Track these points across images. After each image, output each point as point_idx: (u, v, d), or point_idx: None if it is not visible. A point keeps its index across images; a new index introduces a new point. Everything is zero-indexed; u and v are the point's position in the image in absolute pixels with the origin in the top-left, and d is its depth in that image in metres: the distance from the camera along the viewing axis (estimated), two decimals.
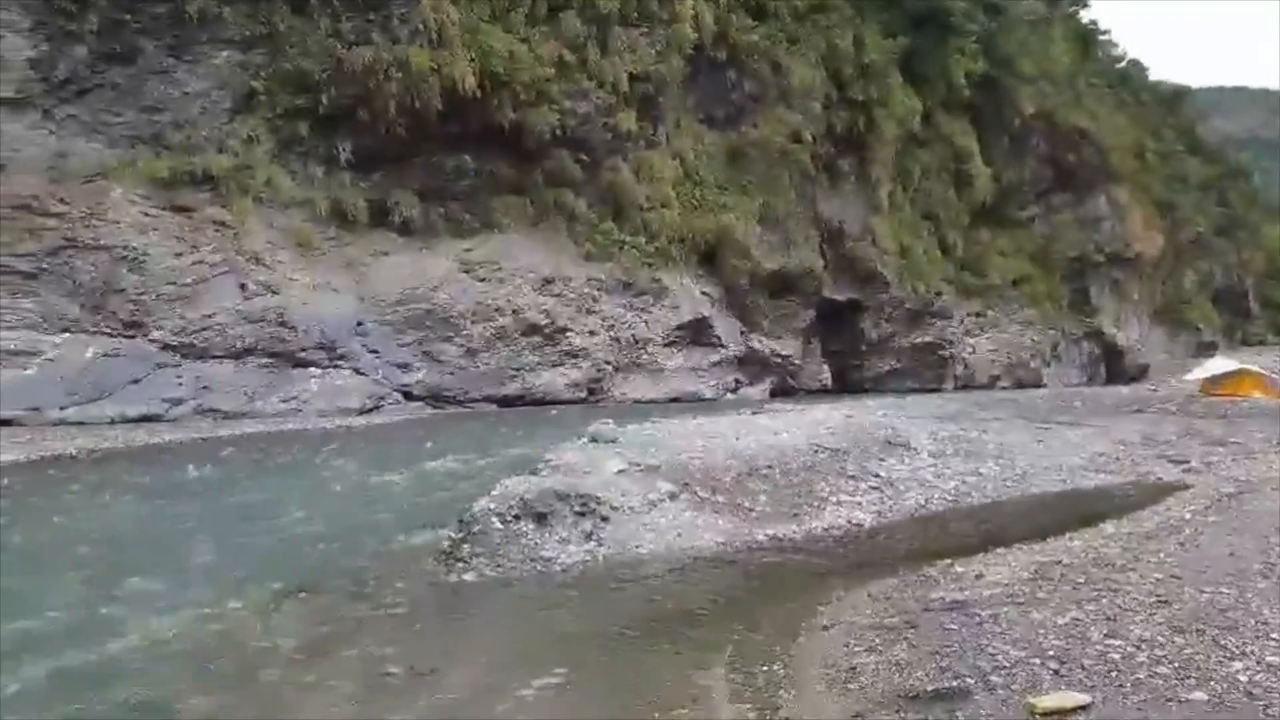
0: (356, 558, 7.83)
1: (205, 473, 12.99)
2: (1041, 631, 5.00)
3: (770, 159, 32.62)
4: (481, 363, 25.22)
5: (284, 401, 21.83)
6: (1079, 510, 9.65)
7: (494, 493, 8.03)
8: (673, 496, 8.54)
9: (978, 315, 41.12)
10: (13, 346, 19.25)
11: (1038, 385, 39.99)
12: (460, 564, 7.21)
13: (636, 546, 7.65)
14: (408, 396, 24.03)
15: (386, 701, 4.73)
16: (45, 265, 19.89)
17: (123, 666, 5.08)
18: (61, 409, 19.05)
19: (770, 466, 9.73)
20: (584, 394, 26.84)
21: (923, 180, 40.06)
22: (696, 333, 29.59)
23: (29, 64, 20.11)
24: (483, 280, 25.91)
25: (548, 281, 26.78)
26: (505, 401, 25.23)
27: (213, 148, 22.50)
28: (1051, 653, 4.66)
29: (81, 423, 18.69)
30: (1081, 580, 6.11)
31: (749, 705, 4.44)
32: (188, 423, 19.76)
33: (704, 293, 30.15)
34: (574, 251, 27.81)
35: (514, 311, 25.88)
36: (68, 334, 19.86)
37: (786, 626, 5.64)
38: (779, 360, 32.35)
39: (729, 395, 30.18)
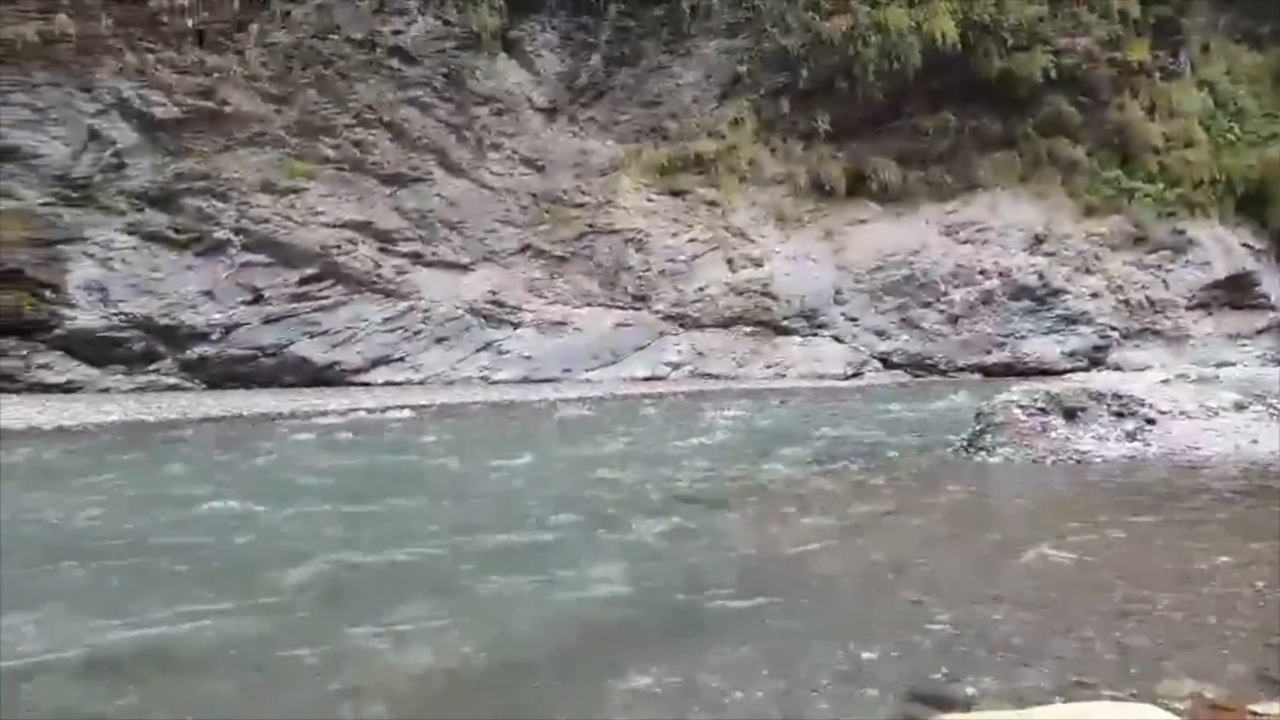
0: (876, 450, 8.71)
1: (717, 407, 14.33)
2: None
3: None
4: (965, 329, 23.94)
5: (768, 367, 22.84)
6: None
7: (1015, 388, 7.77)
8: (1239, 407, 7.30)
9: None
10: (552, 319, 22.71)
11: None
12: (982, 452, 7.06)
13: (1194, 448, 6.68)
14: (886, 364, 23.70)
15: (923, 530, 5.44)
16: (573, 249, 23.12)
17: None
18: (587, 370, 22.02)
19: None
20: (1084, 364, 24.07)
21: None
22: (1234, 292, 24.94)
23: (558, 77, 23.52)
24: (965, 243, 24.59)
25: (1040, 240, 24.55)
26: (991, 371, 23.60)
27: (703, 133, 24.28)
28: None
29: (601, 381, 21.44)
30: None
31: None
32: (685, 383, 21.60)
33: (1245, 244, 25.27)
34: (1071, 206, 25.12)
35: (1001, 274, 24.15)
36: (590, 307, 22.87)
37: None
38: None
39: None
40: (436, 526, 5.89)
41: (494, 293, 22.49)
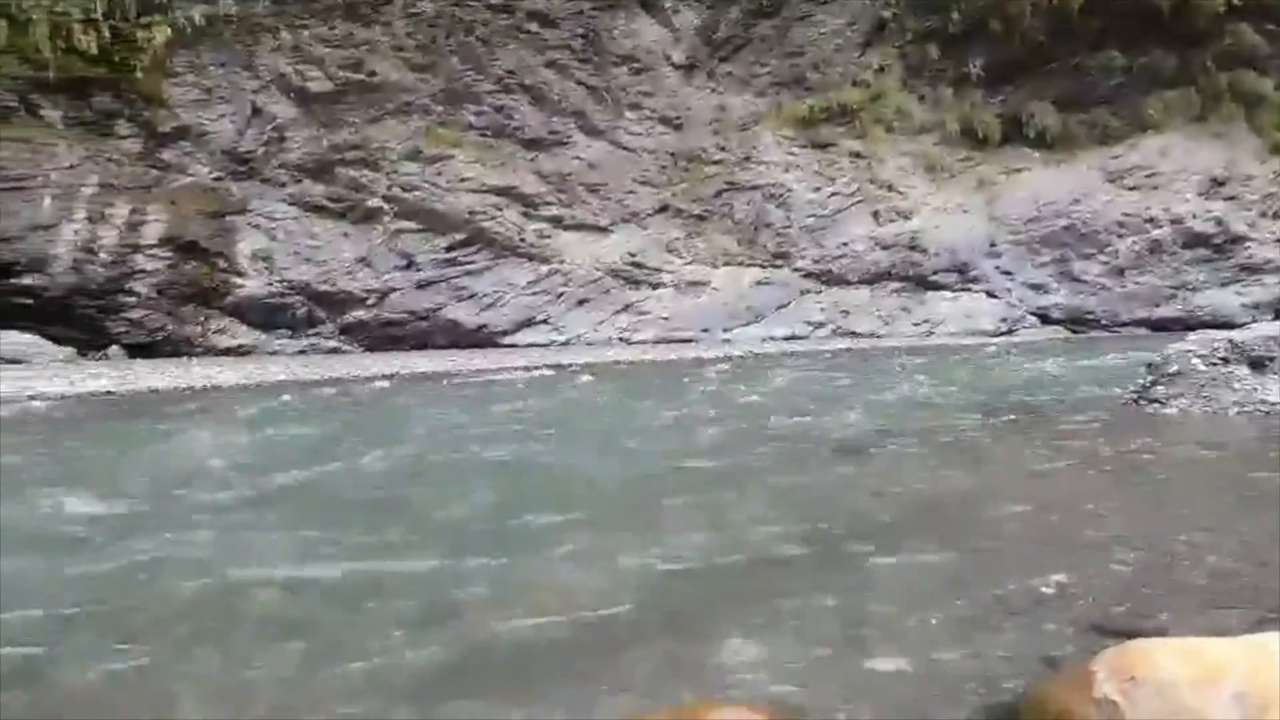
0: (1040, 403, 8.53)
1: (863, 364, 13.93)
2: None
3: None
4: (1130, 281, 22.40)
5: (916, 325, 22.06)
6: None
7: (1191, 338, 7.27)
8: None
9: None
10: (690, 278, 22.60)
11: None
12: (1155, 404, 6.67)
13: None
14: (1044, 319, 22.48)
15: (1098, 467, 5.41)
16: (711, 207, 22.88)
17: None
18: (725, 330, 21.82)
19: None
20: (1269, 316, 22.09)
21: None
22: None
23: (696, 32, 23.17)
24: (1132, 189, 22.92)
25: (1218, 183, 22.58)
26: (1160, 325, 21.99)
27: (847, 82, 23.47)
28: None
29: (739, 341, 21.20)
30: None
31: None
32: (828, 342, 21.10)
33: None
34: (1255, 144, 22.99)
35: (1172, 222, 22.41)
36: (728, 266, 22.62)
37: None
38: None
39: None
40: (612, 471, 6.00)
41: (633, 254, 22.54)
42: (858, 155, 23.03)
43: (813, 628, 2.94)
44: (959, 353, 17.09)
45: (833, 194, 22.80)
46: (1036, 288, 22.58)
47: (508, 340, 21.63)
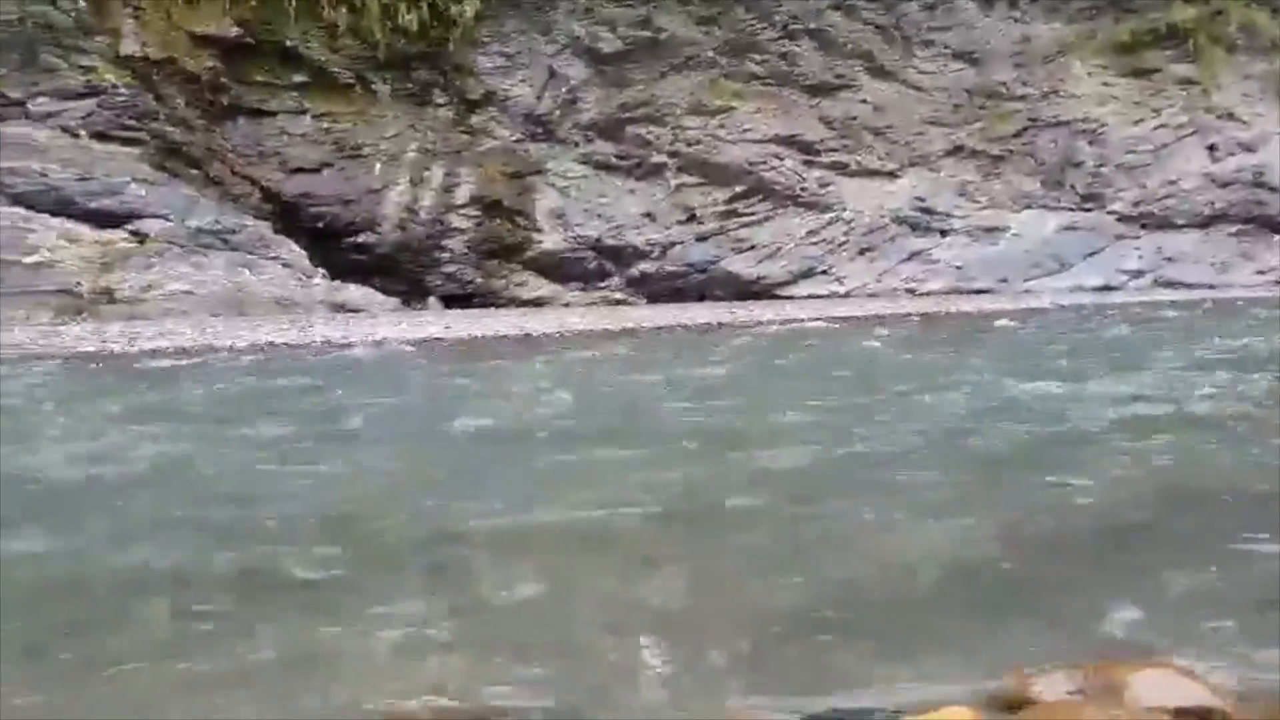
0: None
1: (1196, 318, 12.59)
2: None
3: None
4: None
5: (1259, 273, 19.29)
6: None
7: None
8: None
9: None
10: (985, 224, 21.13)
11: None
12: None
13: None
14: None
15: None
16: (1011, 147, 21.17)
17: None
18: (1025, 280, 20.24)
19: None
20: None
21: None
22: None
23: None
24: None
25: None
26: None
27: (1179, 1, 20.63)
28: None
29: (1043, 293, 19.55)
30: None
31: None
32: (1148, 293, 18.96)
33: None
34: None
35: None
36: (1029, 210, 20.87)
37: None
38: None
39: None
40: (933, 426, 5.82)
41: (921, 199, 21.43)
42: (1189, 82, 20.28)
43: (1195, 603, 2.66)
44: None
45: (1157, 126, 20.29)
46: None
47: (785, 291, 21.42)
